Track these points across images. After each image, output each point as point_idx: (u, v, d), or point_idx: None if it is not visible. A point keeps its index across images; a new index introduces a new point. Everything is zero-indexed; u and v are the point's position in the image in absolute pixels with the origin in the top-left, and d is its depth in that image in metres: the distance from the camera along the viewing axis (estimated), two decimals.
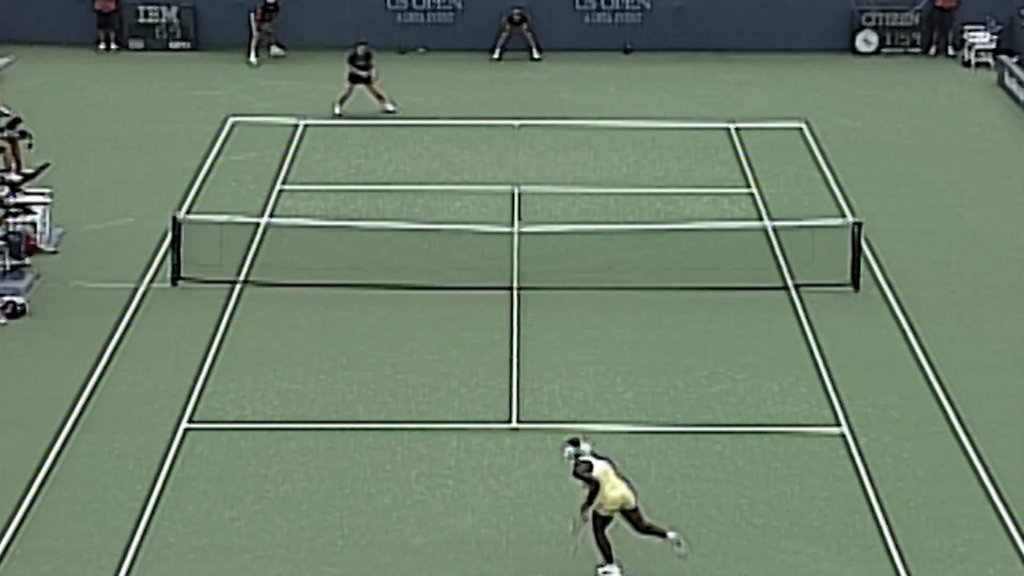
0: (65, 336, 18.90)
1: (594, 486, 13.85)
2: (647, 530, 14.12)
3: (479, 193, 23.72)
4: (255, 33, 29.88)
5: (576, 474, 13.94)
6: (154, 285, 20.31)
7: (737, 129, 26.62)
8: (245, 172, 24.43)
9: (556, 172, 24.75)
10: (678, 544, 14.15)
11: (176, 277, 20.35)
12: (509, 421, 17.13)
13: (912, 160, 25.56)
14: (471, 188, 23.92)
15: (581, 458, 14.07)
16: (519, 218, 22.70)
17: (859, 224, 20.74)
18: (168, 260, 20.55)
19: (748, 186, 24.17)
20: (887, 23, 31.30)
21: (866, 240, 21.06)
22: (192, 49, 30.95)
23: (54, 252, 21.17)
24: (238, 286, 20.30)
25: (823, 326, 19.43)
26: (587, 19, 31.42)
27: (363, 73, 26.88)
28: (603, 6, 31.36)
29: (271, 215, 22.61)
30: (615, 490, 13.92)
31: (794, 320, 19.65)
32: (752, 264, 20.97)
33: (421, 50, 31.20)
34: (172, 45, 30.96)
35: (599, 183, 24.25)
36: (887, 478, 16.02)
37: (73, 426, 16.75)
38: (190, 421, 16.93)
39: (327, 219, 22.03)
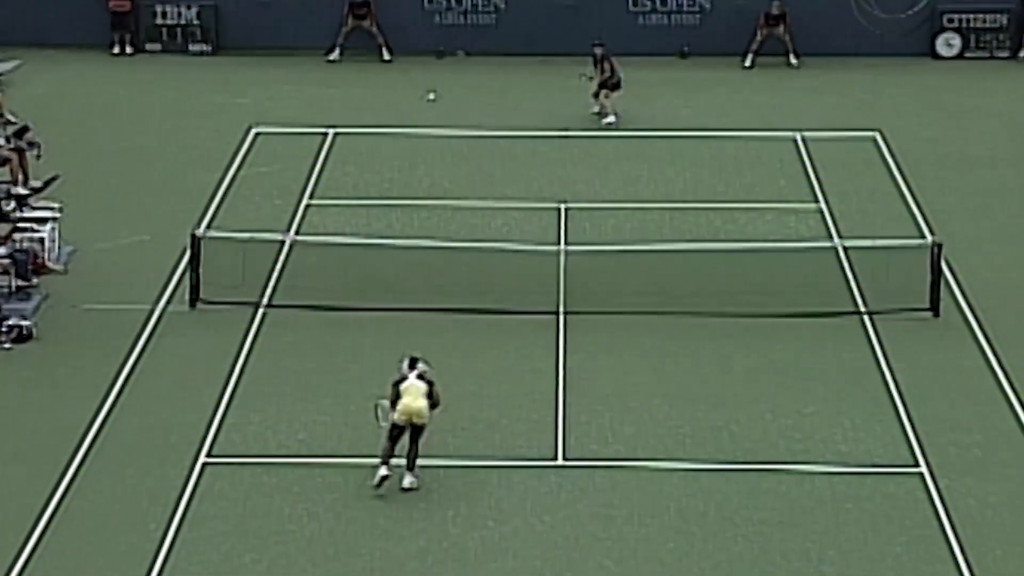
0: (74, 363, 19.06)
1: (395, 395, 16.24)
2: (415, 452, 16.25)
3: (523, 209, 23.77)
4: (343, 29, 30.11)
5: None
6: (171, 308, 20.45)
7: (804, 139, 26.55)
8: (270, 185, 24.59)
9: (606, 186, 24.77)
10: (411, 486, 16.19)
11: (195, 299, 20.49)
12: (555, 457, 17.12)
13: (997, 174, 25.40)
14: (514, 204, 23.98)
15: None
16: (566, 236, 22.72)
17: (939, 244, 20.63)
18: (186, 280, 20.70)
19: (816, 202, 24.10)
20: (971, 24, 31.15)
21: (946, 262, 20.94)
22: (213, 52, 31.21)
23: (63, 272, 21.36)
24: (261, 309, 20.42)
25: (899, 355, 19.31)
26: (641, 20, 31.47)
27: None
28: (659, 7, 31.40)
29: (297, 232, 22.74)
30: (415, 402, 16.21)
31: (867, 349, 19.55)
32: (821, 287, 20.89)
33: (461, 53, 31.34)
34: (192, 48, 31.24)
35: (653, 198, 24.24)
36: (970, 524, 15.89)
37: (82, 460, 16.88)
38: (209, 455, 17.02)
39: (358, 236, 22.13)
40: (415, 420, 16.33)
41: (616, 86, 27.20)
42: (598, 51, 27.36)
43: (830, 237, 22.69)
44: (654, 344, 19.55)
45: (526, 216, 23.48)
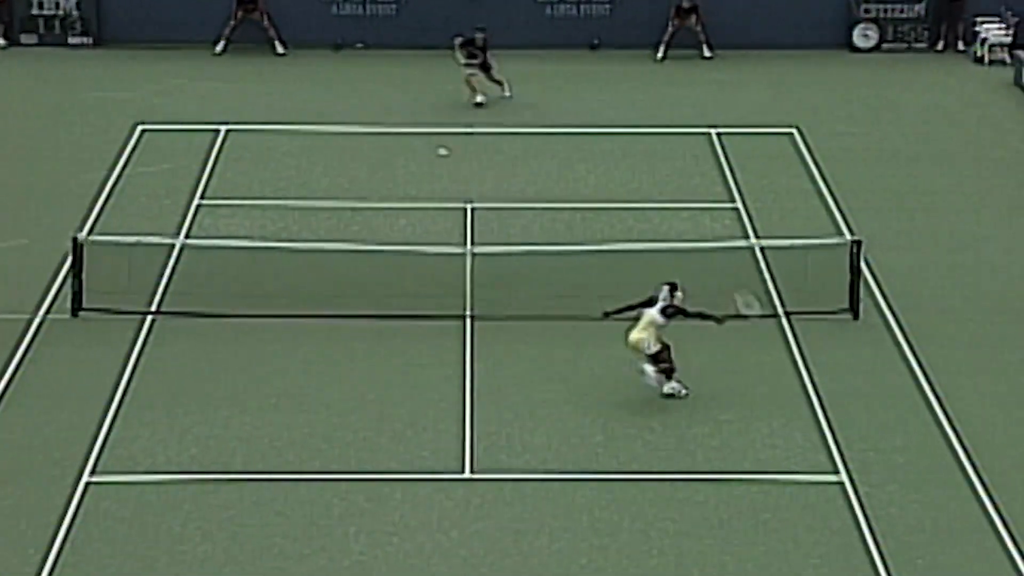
0: None
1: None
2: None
3: (427, 209, 23.78)
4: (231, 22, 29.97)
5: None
6: (51, 316, 20.20)
7: (720, 135, 26.83)
8: (157, 185, 24.38)
9: (514, 184, 24.85)
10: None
11: (77, 307, 20.26)
12: (462, 471, 17.15)
13: (918, 170, 25.85)
14: (418, 204, 23.98)
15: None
16: (472, 237, 22.76)
17: (858, 243, 20.93)
18: (68, 287, 20.46)
19: (733, 200, 24.36)
20: (888, 15, 31.67)
21: (866, 261, 21.26)
22: (95, 45, 30.88)
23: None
24: (149, 317, 20.24)
25: (818, 359, 19.58)
26: (549, 11, 31.63)
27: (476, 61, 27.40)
28: None
29: (187, 235, 22.56)
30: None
31: (785, 352, 19.79)
32: (737, 288, 21.10)
33: (359, 46, 31.27)
34: (72, 40, 30.88)
35: (563, 197, 24.36)
36: (892, 532, 16.14)
37: None
38: (93, 473, 16.84)
39: (252, 239, 22.01)
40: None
41: (485, 68, 27.55)
42: (480, 36, 27.51)
43: (746, 236, 22.95)
44: (565, 350, 19.64)
45: (430, 216, 23.50)
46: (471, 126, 27.00)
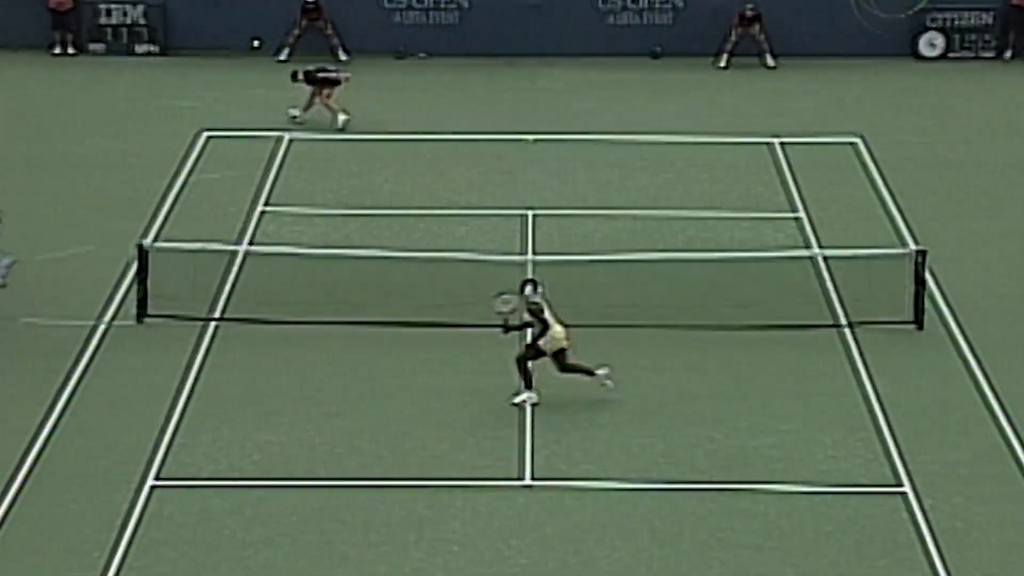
0: (13, 381, 18.96)
1: (544, 325, 18.26)
2: (571, 369, 18.33)
3: (487, 217, 23.82)
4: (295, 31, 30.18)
5: (531, 312, 18.34)
6: (116, 322, 20.38)
7: (783, 144, 26.71)
8: (221, 193, 24.55)
9: (575, 193, 24.84)
10: (607, 379, 18.31)
11: (142, 313, 20.43)
12: (522, 478, 17.15)
13: (983, 179, 25.62)
14: (478, 212, 24.02)
15: (532, 300, 18.35)
16: (533, 245, 22.77)
17: (922, 253, 20.77)
18: (133, 294, 20.63)
19: (795, 210, 24.24)
20: (955, 24, 31.41)
21: (930, 271, 21.09)
22: (161, 53, 31.16)
23: (1, 285, 21.25)
24: (212, 323, 20.37)
25: (881, 370, 19.44)
26: (611, 19, 31.61)
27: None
28: (629, 5, 31.55)
29: (251, 242, 22.71)
30: (560, 329, 18.30)
31: (848, 363, 19.66)
32: (799, 299, 21.00)
33: (422, 55, 31.38)
34: (138, 49, 31.18)
35: (623, 205, 24.33)
36: (956, 546, 15.99)
37: (22, 484, 16.78)
38: (157, 478, 16.96)
39: (314, 246, 22.12)
40: (562, 346, 18.24)
41: (336, 83, 27.06)
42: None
43: (808, 246, 22.82)
44: (625, 358, 19.60)
45: (491, 224, 23.53)
46: (533, 134, 27.02)
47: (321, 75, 27.11)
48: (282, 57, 30.54)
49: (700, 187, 25.08)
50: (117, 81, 29.66)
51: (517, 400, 18.37)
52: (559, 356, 18.36)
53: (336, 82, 27.11)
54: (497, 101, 28.77)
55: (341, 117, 27.00)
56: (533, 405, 18.28)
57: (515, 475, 17.17)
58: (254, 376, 19.16)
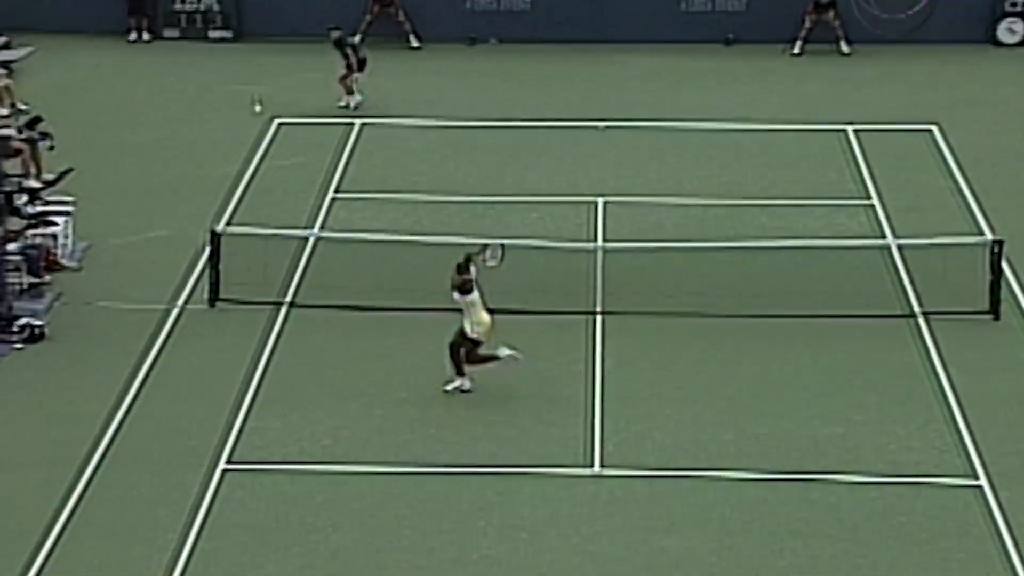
0: (88, 364, 19.15)
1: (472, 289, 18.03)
2: (479, 359, 18.13)
3: (557, 204, 23.76)
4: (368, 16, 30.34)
5: (460, 289, 18.10)
6: (189, 306, 20.52)
7: (857, 132, 26.44)
8: (293, 179, 24.66)
9: (646, 181, 24.73)
10: (513, 352, 18.10)
11: (214, 298, 20.56)
12: (591, 466, 17.11)
13: None
14: (548, 199, 23.97)
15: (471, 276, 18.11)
16: (603, 233, 22.69)
17: (999, 243, 20.50)
18: (206, 278, 20.77)
19: (869, 198, 24.00)
20: None
21: (1007, 261, 20.80)
22: (234, 39, 31.32)
23: (77, 269, 21.48)
24: (284, 308, 20.47)
25: (956, 360, 19.20)
26: (684, 6, 31.40)
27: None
28: None
29: (322, 227, 22.80)
30: (487, 319, 18.09)
31: (922, 353, 19.44)
32: (873, 288, 20.80)
33: (493, 41, 31.35)
34: (212, 34, 31.36)
35: (695, 193, 24.19)
36: None
37: (96, 466, 16.95)
38: (228, 461, 17.08)
39: (385, 232, 22.17)
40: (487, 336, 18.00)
41: (361, 66, 27.07)
42: (335, 35, 27.18)
43: (883, 235, 22.59)
44: (695, 347, 19.51)
45: (561, 211, 23.48)
46: (605, 121, 26.92)
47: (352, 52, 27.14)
48: (356, 39, 30.61)
49: (773, 175, 24.88)
50: (191, 67, 29.85)
51: (456, 382, 18.23)
52: (477, 345, 18.12)
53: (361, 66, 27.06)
54: (568, 88, 28.67)
55: (356, 98, 26.91)
56: (464, 391, 18.17)
57: (584, 462, 17.12)
58: (324, 361, 19.24)
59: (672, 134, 26.52)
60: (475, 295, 18.23)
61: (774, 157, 25.57)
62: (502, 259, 18.70)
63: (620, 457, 17.23)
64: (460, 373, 18.27)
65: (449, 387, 18.31)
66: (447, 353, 18.28)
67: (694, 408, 18.20)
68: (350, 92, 27.25)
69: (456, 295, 18.25)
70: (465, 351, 18.20)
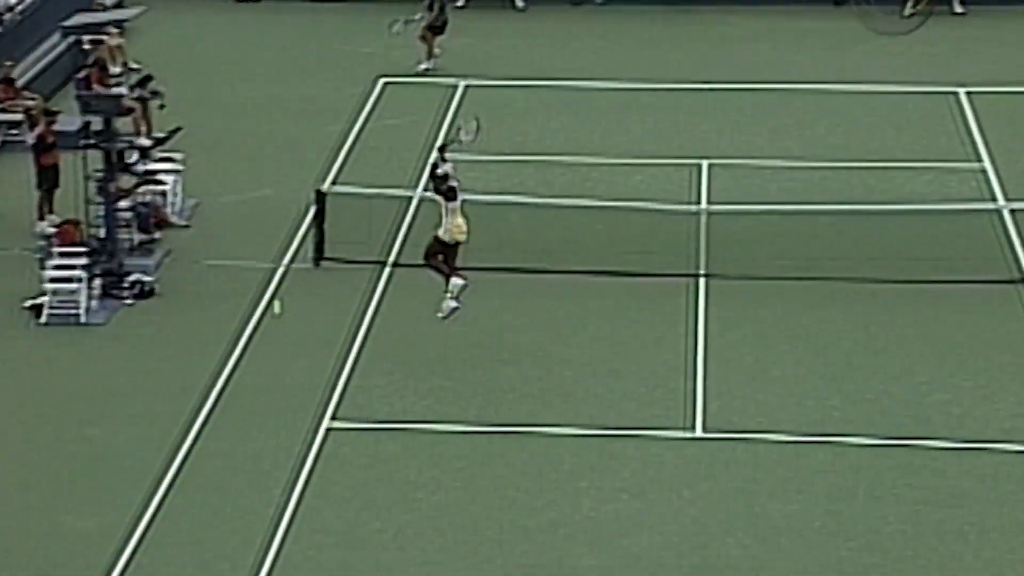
0: (196, 320, 19.39)
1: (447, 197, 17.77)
2: (440, 266, 17.93)
3: (662, 166, 23.60)
4: None
5: (442, 193, 17.90)
6: (295, 265, 20.68)
7: (968, 94, 25.94)
8: (398, 139, 24.72)
9: (751, 143, 24.47)
10: (451, 302, 17.93)
11: (319, 257, 20.70)
12: (693, 429, 17.03)
13: None
14: (653, 161, 23.82)
15: (451, 182, 17.87)
16: (708, 195, 22.52)
17: None
18: (310, 237, 20.91)
19: (979, 160, 23.55)
20: None
21: None
22: None
23: (185, 226, 21.73)
24: (388, 267, 20.57)
25: None
26: None
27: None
28: None
29: (426, 188, 22.82)
30: (462, 222, 17.86)
31: None
32: (983, 253, 20.43)
33: (598, 1, 31.14)
34: None
35: (802, 156, 23.90)
36: None
37: (204, 422, 17.18)
38: (333, 419, 17.22)
39: (488, 193, 22.16)
40: (459, 240, 17.88)
41: (441, 29, 26.85)
42: None
43: (994, 198, 22.17)
44: (800, 311, 19.31)
45: (665, 173, 23.31)
46: (709, 82, 26.67)
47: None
48: (459, 3, 30.56)
49: (881, 137, 24.51)
50: (299, 26, 29.97)
51: (449, 302, 17.93)
52: (454, 248, 17.87)
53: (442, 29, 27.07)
54: (675, 49, 28.42)
55: (425, 64, 26.91)
56: (455, 305, 17.90)
57: (686, 425, 17.05)
58: (427, 321, 19.28)
59: (779, 96, 26.19)
60: (458, 201, 18.14)
61: (883, 119, 25.18)
62: (477, 133, 18.42)
63: (723, 421, 17.12)
64: (448, 276, 18.05)
65: (444, 310, 18.08)
66: (427, 264, 18.10)
67: (798, 372, 18.03)
68: (430, 55, 27.16)
69: (441, 200, 18.05)
70: (433, 251, 18.04)
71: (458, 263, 18.22)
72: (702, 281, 20.06)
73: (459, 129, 18.65)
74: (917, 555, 14.91)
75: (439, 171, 18.15)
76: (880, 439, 16.73)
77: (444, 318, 18.05)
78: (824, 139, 24.52)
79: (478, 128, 18.51)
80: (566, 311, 19.51)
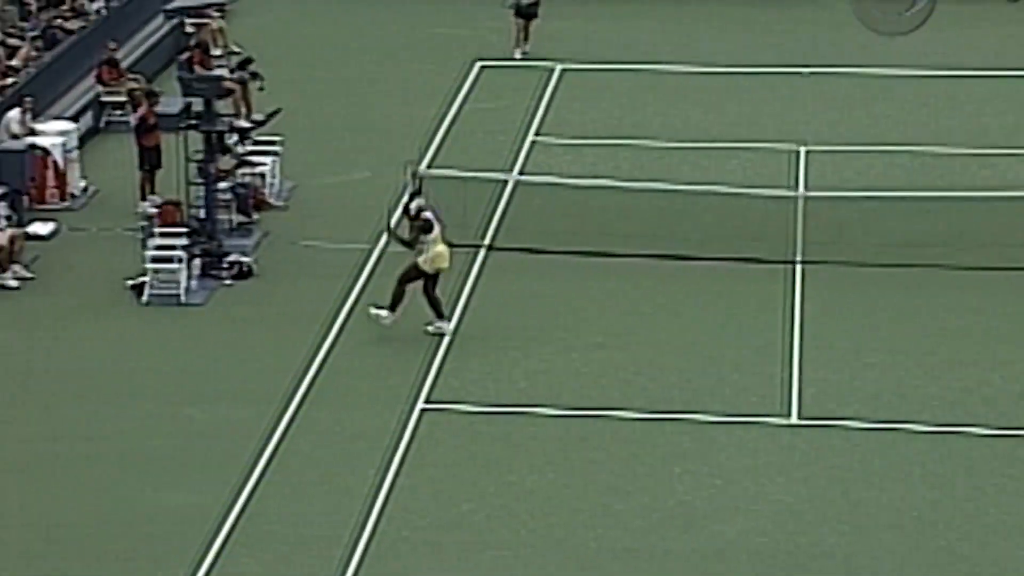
0: (293, 301, 19.54)
1: (413, 244, 18.11)
2: (435, 299, 18.17)
3: (758, 151, 23.42)
4: None
5: (420, 230, 18.09)
6: (390, 247, 20.77)
7: None
8: (493, 122, 24.74)
9: (849, 128, 24.21)
10: (439, 332, 18.07)
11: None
12: (788, 415, 16.90)
13: None
14: (749, 145, 23.64)
15: (424, 214, 18.07)
16: (805, 181, 22.31)
17: None
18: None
19: None
20: None
21: None
22: None
23: (284, 207, 21.90)
24: (483, 250, 20.60)
25: None
26: None
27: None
28: None
29: (521, 171, 22.84)
30: (444, 249, 18.09)
31: None
32: None
33: None
34: None
35: (901, 141, 23.61)
36: None
37: (301, 401, 17.32)
38: (427, 401, 17.29)
39: (583, 177, 22.12)
40: (441, 268, 18.10)
41: (530, 13, 26.77)
42: None
43: None
44: (898, 298, 19.09)
45: (762, 158, 23.13)
46: (807, 66, 26.41)
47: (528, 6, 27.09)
48: None
49: (983, 123, 24.14)
50: (397, 9, 30.09)
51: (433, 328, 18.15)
52: (434, 278, 18.08)
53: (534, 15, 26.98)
54: (773, 33, 28.17)
55: (521, 50, 26.85)
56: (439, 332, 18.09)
57: (782, 412, 16.92)
58: (521, 304, 19.32)
59: (878, 81, 25.90)
60: (436, 231, 18.18)
61: (985, 104, 24.80)
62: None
63: (819, 407, 16.97)
64: (394, 305, 18.21)
65: (431, 328, 18.29)
66: (398, 285, 18.15)
67: (896, 359, 17.82)
68: (522, 40, 27.09)
69: (420, 236, 18.21)
70: (410, 277, 18.14)
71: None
72: (798, 267, 19.89)
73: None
74: (1019, 546, 14.69)
75: (412, 207, 18.39)
76: (980, 428, 16.49)
77: (381, 322, 18.18)
78: (925, 125, 24.20)
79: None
80: (658, 295, 19.43)
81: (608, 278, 19.78)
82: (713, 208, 21.06)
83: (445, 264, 18.22)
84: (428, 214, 18.27)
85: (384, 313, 18.29)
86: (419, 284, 18.24)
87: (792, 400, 17.13)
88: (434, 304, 18.28)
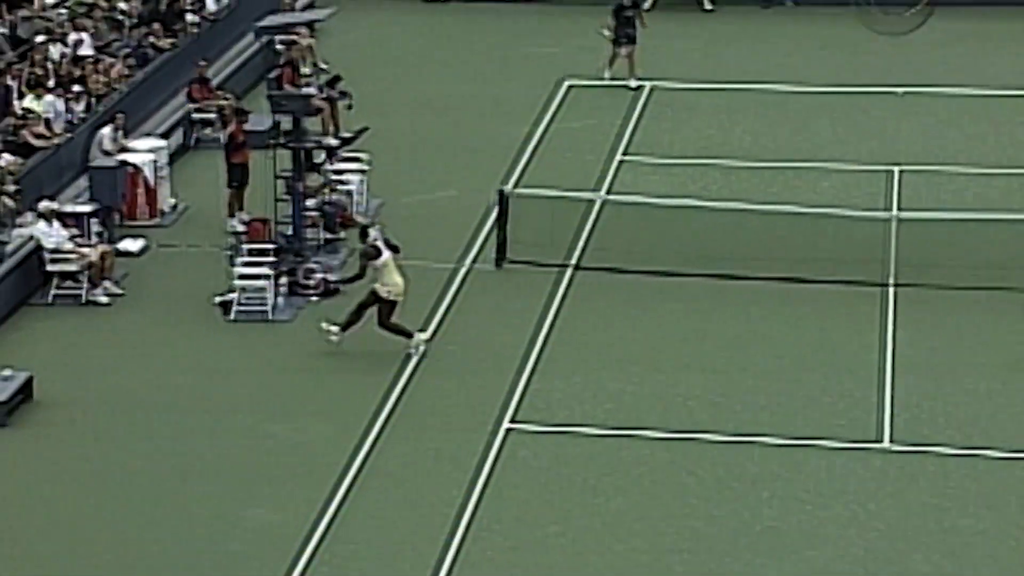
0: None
1: (362, 272, 18.24)
2: (392, 327, 18.17)
3: (851, 172, 23.17)
4: None
5: (363, 255, 18.21)
6: (477, 266, 20.77)
7: None
8: (582, 141, 24.69)
9: (945, 149, 23.89)
10: (417, 348, 18.16)
11: (501, 258, 20.75)
12: (880, 440, 16.65)
13: None
14: (842, 166, 23.39)
15: (373, 241, 18.20)
16: (899, 202, 22.03)
17: None
18: (493, 239, 20.98)
19: None
20: None
21: None
22: (526, 0, 31.47)
23: (369, 225, 21.93)
24: (570, 270, 20.53)
25: None
26: None
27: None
28: None
29: (609, 190, 22.76)
30: (400, 282, 18.21)
31: None
32: None
33: (789, 4, 30.73)
34: None
35: (998, 162, 23.27)
36: None
37: (386, 420, 17.33)
38: (512, 421, 17.23)
39: (672, 197, 21.99)
40: (398, 297, 18.20)
41: (624, 40, 26.46)
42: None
43: None
44: (994, 322, 18.76)
45: (855, 179, 22.88)
46: (902, 87, 26.11)
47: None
48: (646, 6, 30.42)
49: None
50: (485, 27, 30.16)
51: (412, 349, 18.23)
52: (390, 307, 18.05)
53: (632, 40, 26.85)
54: (866, 52, 27.89)
55: (607, 71, 26.72)
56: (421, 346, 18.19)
57: (874, 436, 16.67)
58: (608, 325, 19.22)
59: (974, 101, 25.54)
60: (385, 257, 18.13)
61: None
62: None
63: (911, 432, 16.71)
64: (408, 335, 18.19)
65: (412, 348, 18.28)
66: (358, 313, 18.19)
67: (991, 384, 17.51)
68: (610, 64, 26.97)
69: (367, 262, 18.23)
70: (380, 313, 18.11)
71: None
72: (891, 289, 19.63)
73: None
74: None
75: (369, 235, 18.50)
76: None
77: (330, 338, 18.25)
78: (1021, 145, 23.81)
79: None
80: (748, 317, 19.24)
81: (697, 299, 19.63)
82: (805, 229, 20.84)
83: (400, 297, 18.25)
84: (378, 242, 18.36)
85: (335, 329, 18.41)
86: (375, 311, 18.24)
87: (885, 425, 16.89)
88: (395, 330, 18.25)
